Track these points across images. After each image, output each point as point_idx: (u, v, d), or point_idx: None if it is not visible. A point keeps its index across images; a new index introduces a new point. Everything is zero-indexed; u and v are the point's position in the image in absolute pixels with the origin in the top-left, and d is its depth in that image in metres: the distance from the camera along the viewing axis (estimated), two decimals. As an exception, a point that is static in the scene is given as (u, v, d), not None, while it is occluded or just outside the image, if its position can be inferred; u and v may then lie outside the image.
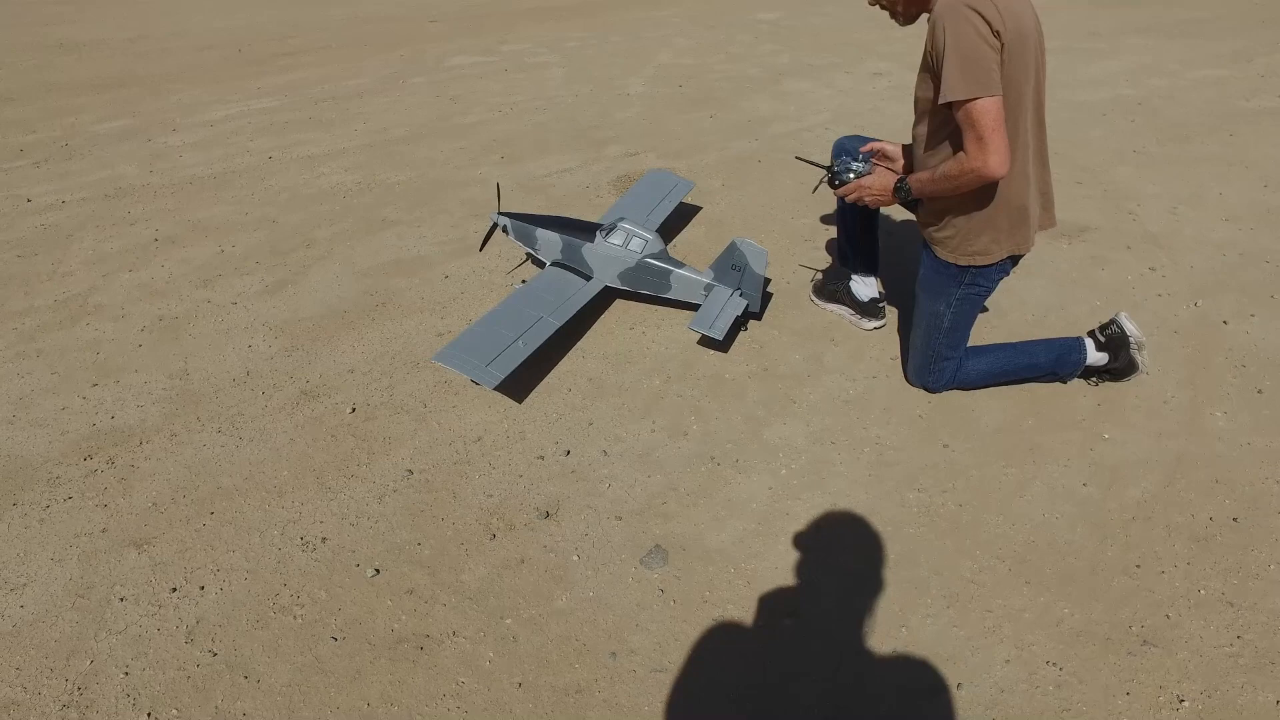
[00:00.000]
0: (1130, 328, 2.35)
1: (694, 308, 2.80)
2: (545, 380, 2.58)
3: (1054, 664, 1.70)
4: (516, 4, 8.66)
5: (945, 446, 2.28)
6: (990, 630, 1.77)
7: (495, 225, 3.01)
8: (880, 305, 2.78)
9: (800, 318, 2.89)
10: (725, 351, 2.70)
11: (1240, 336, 2.75)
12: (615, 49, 6.66)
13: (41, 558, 1.97)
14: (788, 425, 2.37)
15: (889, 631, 1.77)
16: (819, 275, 3.03)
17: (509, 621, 1.80)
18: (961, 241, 2.14)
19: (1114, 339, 2.36)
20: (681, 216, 3.61)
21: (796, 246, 3.39)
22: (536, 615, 1.82)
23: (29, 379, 2.63)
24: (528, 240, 2.95)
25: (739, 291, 2.69)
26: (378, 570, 1.93)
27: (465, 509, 2.10)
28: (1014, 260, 2.21)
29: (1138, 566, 1.92)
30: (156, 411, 2.47)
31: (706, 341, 2.71)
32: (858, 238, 2.72)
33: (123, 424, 2.42)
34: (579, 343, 2.76)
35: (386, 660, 1.73)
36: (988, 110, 1.84)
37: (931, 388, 2.44)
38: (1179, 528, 2.02)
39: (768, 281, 3.08)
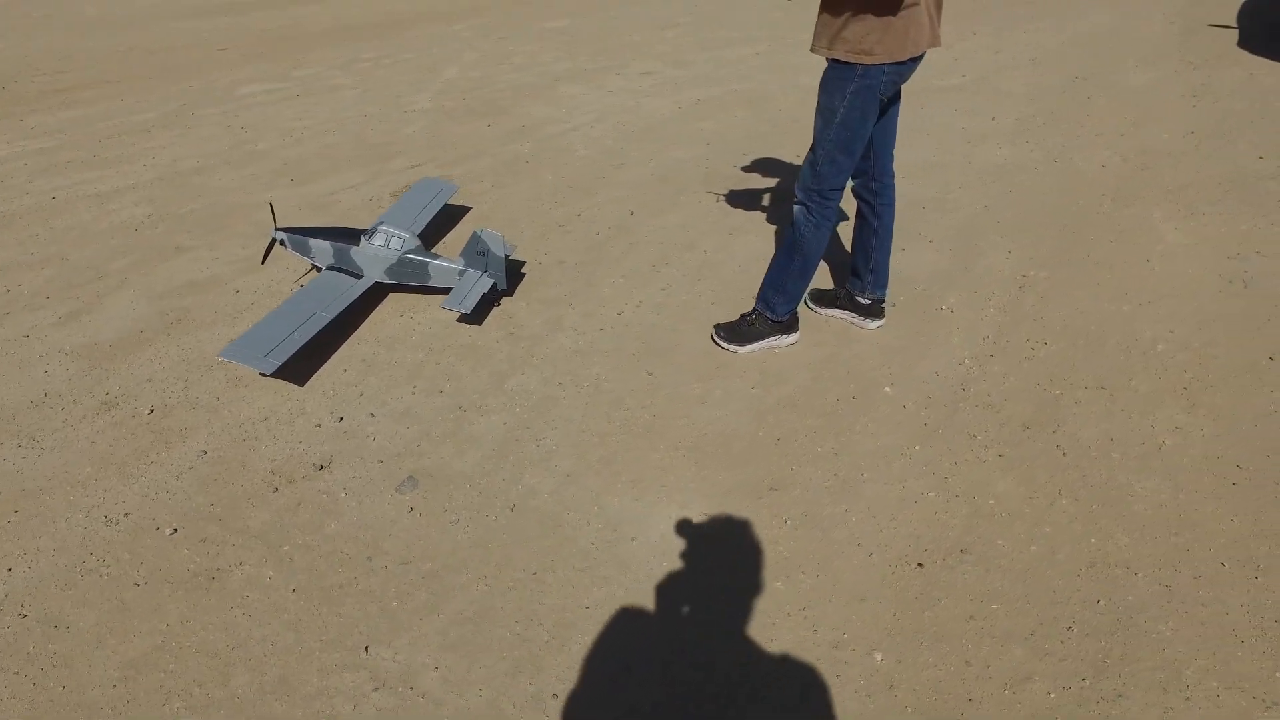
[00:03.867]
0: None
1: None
2: (325, 364, 3.01)
3: (706, 514, 2.33)
4: (310, 26, 8.83)
5: (650, 374, 2.91)
6: (663, 499, 2.38)
7: (274, 240, 3.39)
8: (882, 305, 3.10)
9: (546, 290, 3.46)
10: (479, 324, 3.22)
11: (892, 265, 3.54)
12: (406, 66, 7.05)
13: None
14: (525, 375, 2.92)
15: (587, 510, 2.35)
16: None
17: (286, 548, 2.26)
18: (857, 41, 2.42)
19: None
20: (451, 217, 4.11)
21: (551, 233, 3.96)
22: (310, 541, 2.28)
23: None
24: (304, 250, 3.35)
25: (486, 273, 3.22)
26: (175, 529, 2.32)
27: (252, 473, 2.52)
28: (913, 64, 2.53)
29: (778, 440, 2.60)
30: (-44, 436, 2.72)
31: (463, 319, 3.22)
32: (871, 253, 2.98)
33: (-76, 450, 2.66)
34: (356, 331, 3.20)
35: (184, 592, 2.14)
36: None
37: (805, 198, 2.72)
38: (812, 408, 2.72)
39: (522, 263, 3.63)
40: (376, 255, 3.26)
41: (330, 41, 8.13)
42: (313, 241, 3.31)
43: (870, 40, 2.48)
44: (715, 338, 3.02)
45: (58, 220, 4.30)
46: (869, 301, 3.09)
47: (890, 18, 2.43)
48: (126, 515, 2.38)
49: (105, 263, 3.83)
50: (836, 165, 2.69)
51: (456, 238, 3.94)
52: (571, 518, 2.32)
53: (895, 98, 2.78)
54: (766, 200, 4.16)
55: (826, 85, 2.60)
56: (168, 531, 2.32)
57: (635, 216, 4.10)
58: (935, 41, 2.62)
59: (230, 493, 2.45)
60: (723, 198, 4.27)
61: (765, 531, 2.26)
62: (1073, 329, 3.15)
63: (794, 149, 4.79)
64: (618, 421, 2.68)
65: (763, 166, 4.56)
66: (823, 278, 3.46)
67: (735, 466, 2.49)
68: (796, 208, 2.78)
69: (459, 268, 3.25)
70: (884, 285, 3.07)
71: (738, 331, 3.00)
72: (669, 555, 2.21)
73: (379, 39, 8.15)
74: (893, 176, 2.93)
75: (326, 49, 7.81)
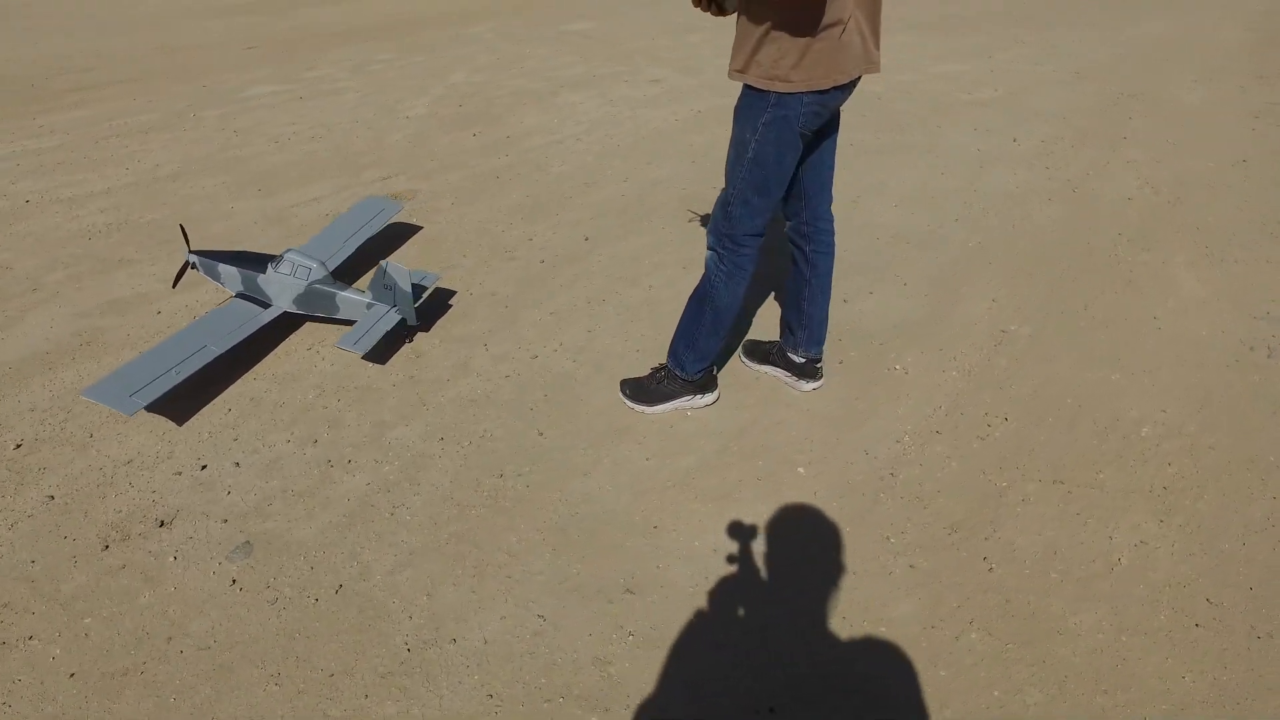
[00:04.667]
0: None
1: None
2: (212, 402, 2.83)
3: (543, 615, 2.04)
4: (333, 26, 8.81)
5: (540, 435, 2.62)
6: (502, 594, 2.10)
7: (187, 263, 3.24)
8: (818, 365, 2.74)
9: (465, 325, 3.21)
10: (382, 364, 2.99)
11: (851, 313, 3.16)
12: (414, 70, 6.90)
13: None
14: (410, 427, 2.68)
15: (415, 599, 2.09)
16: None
17: (88, 620, 2.07)
18: (771, 65, 2.09)
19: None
20: (398, 237, 3.90)
21: (495, 260, 3.71)
22: (116, 612, 2.09)
23: None
24: (214, 275, 3.19)
25: (394, 308, 2.99)
26: (-16, 590, 2.16)
27: (92, 525, 2.35)
28: (840, 92, 2.17)
29: (655, 528, 2.28)
30: None
31: (367, 356, 3.00)
32: (804, 306, 2.63)
33: None
34: (255, 366, 3.02)
35: (-36, 667, 1.97)
36: None
37: (716, 244, 2.40)
38: (706, 489, 2.39)
39: (452, 293, 3.39)
40: (284, 284, 3.06)
41: (348, 41, 8.08)
42: (221, 267, 3.14)
43: (785, 65, 2.13)
44: (623, 395, 2.72)
45: (21, 225, 4.28)
46: (803, 360, 2.73)
47: (810, 39, 2.08)
48: (-53, 567, 2.24)
49: (44, 274, 3.76)
50: (750, 207, 2.36)
51: (403, 258, 3.72)
52: (396, 607, 2.07)
53: (829, 128, 2.42)
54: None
55: (739, 114, 2.27)
56: (-24, 591, 2.16)
57: (589, 243, 3.81)
58: (871, 66, 2.25)
59: (58, 549, 2.28)
60: (699, 218, 3.95)
61: (602, 646, 1.96)
62: (1043, 402, 2.72)
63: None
64: (487, 491, 2.41)
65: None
66: (767, 325, 3.11)
67: (596, 559, 2.19)
68: (709, 254, 2.46)
69: (367, 300, 3.03)
70: (819, 343, 2.70)
71: (645, 390, 2.69)
72: (486, 666, 1.92)
73: (397, 39, 8.05)
74: (830, 220, 2.57)
75: (344, 49, 7.75)
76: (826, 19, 2.10)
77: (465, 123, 5.51)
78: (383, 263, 2.96)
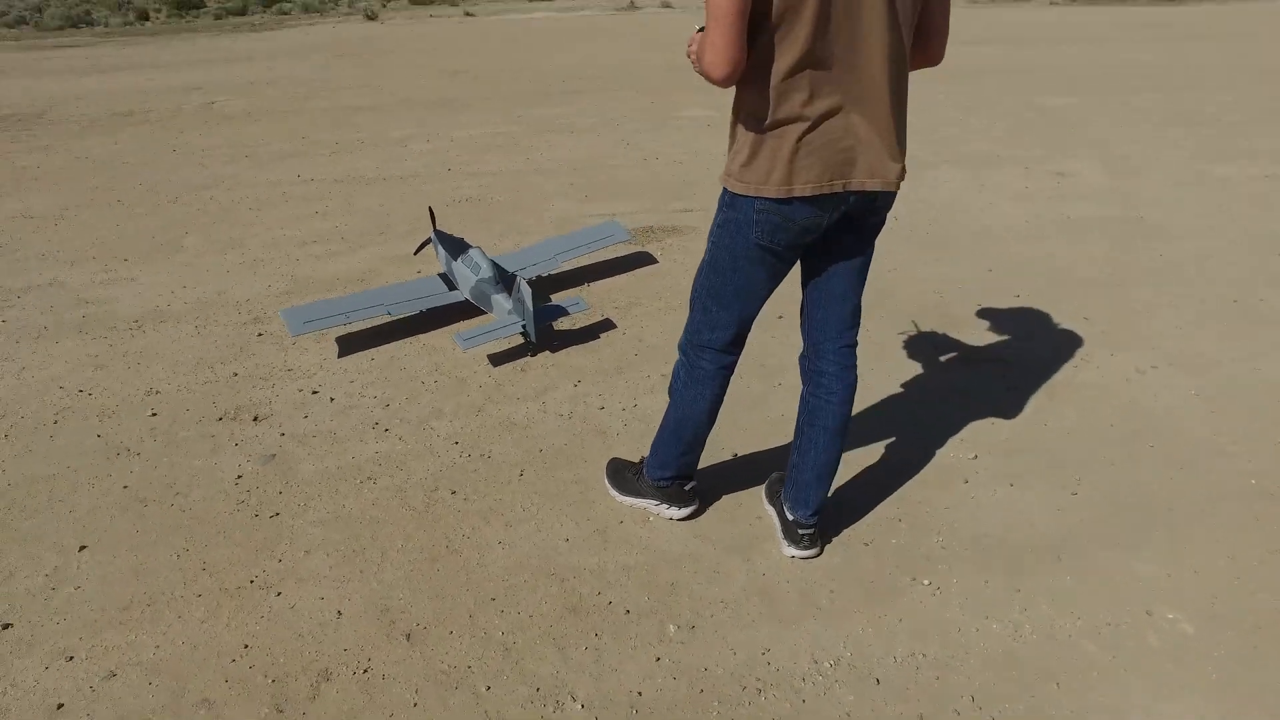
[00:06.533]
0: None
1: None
2: (375, 349, 3.40)
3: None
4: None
5: (520, 475, 2.60)
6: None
7: (429, 239, 3.91)
8: (804, 533, 2.17)
9: (580, 359, 3.26)
10: (495, 365, 3.24)
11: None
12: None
13: None
14: (451, 422, 2.88)
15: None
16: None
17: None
18: (730, 157, 1.82)
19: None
20: (626, 263, 4.12)
21: (675, 314, 3.65)
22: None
23: None
24: (438, 253, 3.79)
25: (521, 323, 3.22)
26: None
27: (215, 408, 3.08)
28: (807, 208, 1.75)
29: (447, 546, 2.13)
30: None
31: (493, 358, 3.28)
32: (793, 455, 2.16)
33: None
34: (429, 334, 3.50)
35: None
36: (716, 3, 1.56)
37: (682, 344, 2.12)
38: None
39: (599, 321, 3.51)
40: (464, 275, 3.51)
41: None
42: (441, 249, 3.72)
43: (737, 161, 1.80)
44: (605, 471, 2.52)
45: (424, 186, 5.56)
46: (791, 519, 2.20)
47: (757, 134, 1.71)
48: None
49: (403, 222, 4.86)
50: (709, 316, 2.03)
51: (613, 285, 3.93)
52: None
53: (829, 249, 1.92)
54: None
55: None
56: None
57: (781, 321, 3.49)
58: (874, 178, 1.76)
59: (185, 418, 3.03)
60: (914, 328, 3.38)
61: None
62: None
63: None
64: (423, 498, 2.50)
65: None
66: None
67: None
68: (678, 355, 2.16)
69: (508, 308, 3.31)
70: (806, 505, 2.14)
71: (621, 476, 2.44)
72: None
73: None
74: (839, 364, 2.05)
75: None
76: (780, 113, 1.68)
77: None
78: (519, 279, 3.20)
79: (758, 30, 1.62)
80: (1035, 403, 2.93)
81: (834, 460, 2.10)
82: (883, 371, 3.13)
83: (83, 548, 2.29)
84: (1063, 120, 7.39)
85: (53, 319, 3.69)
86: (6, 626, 2.02)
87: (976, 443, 2.70)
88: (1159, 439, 2.72)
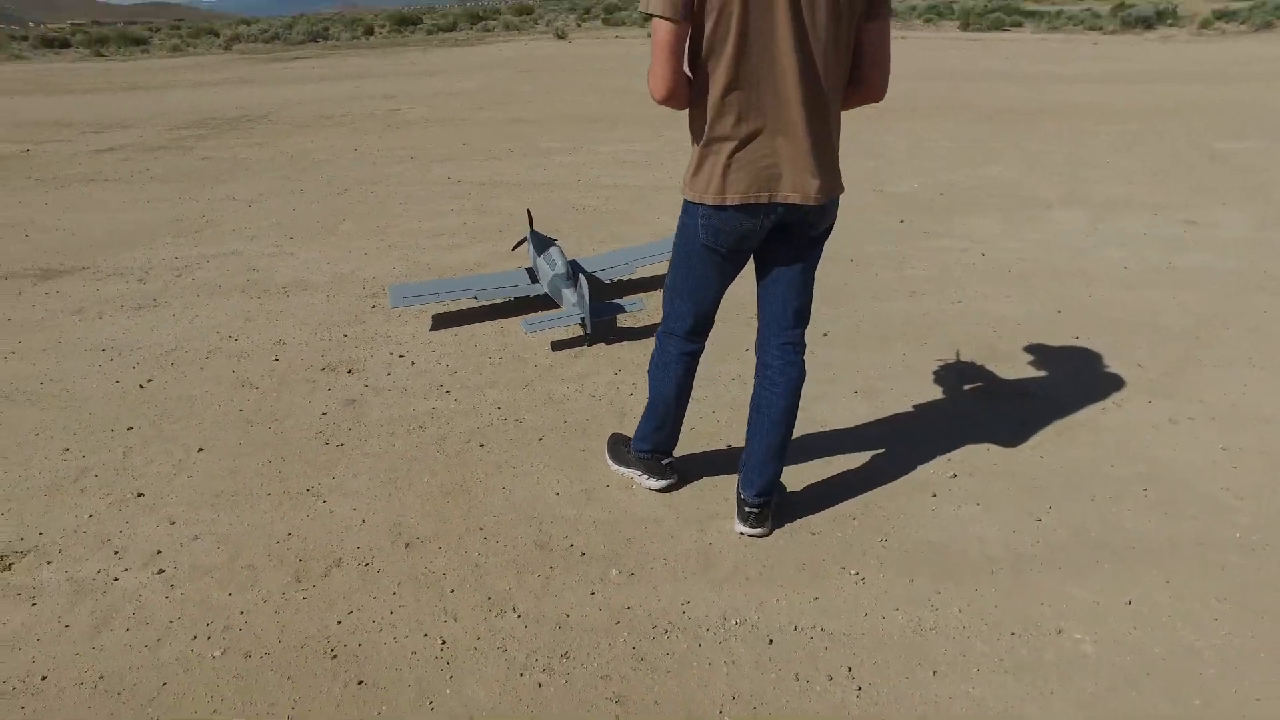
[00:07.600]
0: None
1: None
2: (460, 327, 3.99)
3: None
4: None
5: (541, 439, 3.04)
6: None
7: (525, 239, 4.45)
8: (751, 511, 2.40)
9: (629, 353, 3.66)
10: (552, 350, 3.71)
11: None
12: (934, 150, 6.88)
13: None
14: (498, 391, 3.38)
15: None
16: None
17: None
18: (686, 171, 2.12)
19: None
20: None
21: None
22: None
23: None
24: (530, 251, 4.32)
25: (580, 315, 3.68)
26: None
27: (318, 357, 3.76)
28: (739, 216, 2.04)
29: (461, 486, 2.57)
30: (325, 279, 4.69)
31: (555, 344, 3.76)
32: (747, 439, 2.41)
33: None
34: (510, 318, 4.04)
35: (229, 389, 3.55)
36: (658, 30, 1.87)
37: (660, 328, 2.44)
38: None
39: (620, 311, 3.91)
40: (544, 271, 4.02)
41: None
42: (529, 247, 4.25)
43: (689, 171, 2.15)
44: (607, 443, 2.91)
45: (553, 194, 6.17)
46: (742, 497, 2.48)
47: (701, 148, 2.06)
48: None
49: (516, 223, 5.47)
50: (672, 307, 2.39)
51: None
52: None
53: (768, 255, 2.21)
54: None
55: None
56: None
57: (826, 336, 3.73)
58: (796, 194, 2.04)
59: (295, 374, 3.73)
60: (957, 355, 3.51)
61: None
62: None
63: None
64: (456, 447, 2.99)
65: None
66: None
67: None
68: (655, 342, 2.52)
69: (574, 301, 3.78)
70: (752, 486, 2.42)
71: (617, 446, 2.82)
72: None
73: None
74: (781, 359, 2.33)
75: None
76: (715, 131, 2.01)
77: (915, 213, 5.49)
78: (581, 276, 3.65)
79: (696, 59, 1.97)
80: (1041, 436, 2.99)
81: (777, 445, 2.37)
82: (900, 392, 3.29)
83: (201, 449, 2.97)
84: (1234, 165, 6.90)
85: (226, 280, 4.59)
86: (140, 495, 2.71)
87: (961, 464, 2.83)
88: (1158, 486, 2.72)
